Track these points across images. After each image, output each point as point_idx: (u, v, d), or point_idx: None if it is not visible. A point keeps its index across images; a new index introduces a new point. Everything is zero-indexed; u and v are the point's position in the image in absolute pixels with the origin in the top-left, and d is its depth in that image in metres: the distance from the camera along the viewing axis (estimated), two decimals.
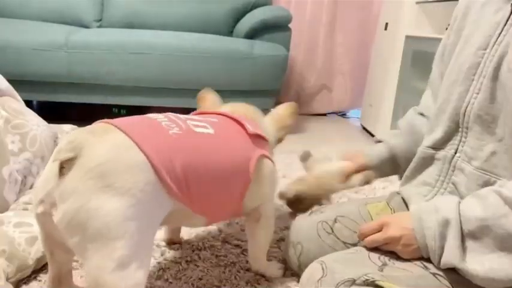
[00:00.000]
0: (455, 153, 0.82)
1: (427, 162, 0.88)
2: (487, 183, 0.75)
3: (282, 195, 1.14)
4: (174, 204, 0.75)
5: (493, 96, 0.75)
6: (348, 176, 1.09)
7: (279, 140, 1.07)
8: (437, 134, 0.86)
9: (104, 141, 0.69)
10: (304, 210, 1.09)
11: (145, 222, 0.69)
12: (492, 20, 0.78)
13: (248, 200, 0.90)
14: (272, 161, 0.94)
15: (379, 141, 1.13)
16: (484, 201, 0.70)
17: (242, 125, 0.90)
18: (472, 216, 0.70)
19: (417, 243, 0.75)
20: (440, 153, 0.85)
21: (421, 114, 1.04)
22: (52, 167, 0.67)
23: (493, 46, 0.76)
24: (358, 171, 1.09)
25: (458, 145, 0.82)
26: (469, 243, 0.70)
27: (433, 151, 0.87)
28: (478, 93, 0.77)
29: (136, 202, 0.67)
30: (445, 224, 0.71)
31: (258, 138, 0.92)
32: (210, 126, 0.85)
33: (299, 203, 1.14)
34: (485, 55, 0.77)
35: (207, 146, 0.81)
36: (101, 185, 0.65)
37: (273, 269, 1.05)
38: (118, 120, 0.74)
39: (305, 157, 1.20)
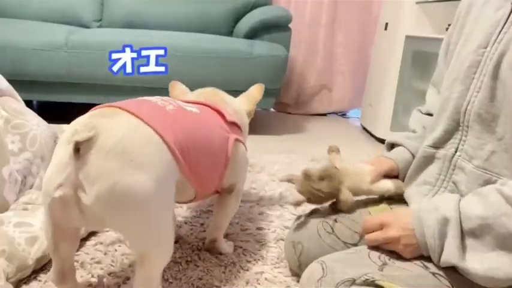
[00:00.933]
0: (456, 152, 0.82)
1: (428, 161, 0.88)
2: (487, 182, 0.75)
3: (306, 173, 0.98)
4: (178, 178, 0.81)
5: (493, 95, 0.75)
6: (373, 181, 1.00)
7: (249, 113, 1.21)
8: (438, 132, 0.86)
9: (116, 122, 0.72)
10: (318, 201, 0.99)
11: (166, 189, 0.76)
12: (492, 17, 0.78)
13: (226, 178, 0.99)
14: (245, 146, 1.06)
15: (393, 144, 1.07)
16: (485, 199, 0.70)
17: (221, 114, 1.00)
18: (473, 214, 0.69)
19: (417, 242, 0.75)
20: (441, 152, 0.85)
21: (429, 114, 1.03)
22: (67, 149, 0.67)
23: (493, 44, 0.76)
24: (384, 176, 1.01)
25: (459, 144, 0.82)
26: (469, 242, 0.70)
27: (433, 150, 0.87)
28: (478, 92, 0.77)
29: (157, 176, 0.72)
30: (445, 222, 0.71)
31: (233, 126, 1.02)
32: (195, 107, 0.93)
33: (317, 190, 0.97)
34: (486, 53, 0.77)
35: (197, 122, 0.89)
36: (126, 160, 0.69)
37: (226, 244, 1.13)
38: (121, 104, 0.78)
39: (333, 150, 1.10)
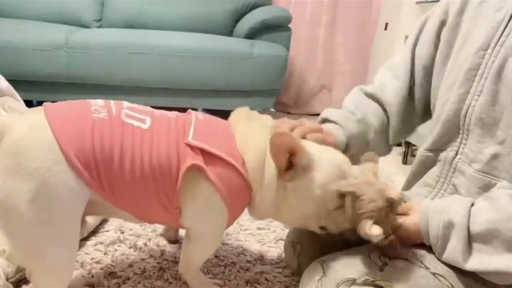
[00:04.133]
0: (456, 155, 0.81)
1: (427, 164, 0.88)
2: (487, 186, 0.75)
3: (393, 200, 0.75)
4: (92, 193, 0.73)
5: (495, 99, 0.74)
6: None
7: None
8: (436, 136, 0.85)
9: (25, 120, 0.70)
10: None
11: (56, 205, 0.68)
12: (492, 19, 0.76)
13: (183, 216, 0.81)
14: (216, 184, 0.75)
15: (326, 120, 0.96)
16: (495, 203, 0.69)
17: (184, 133, 0.78)
18: (483, 218, 0.69)
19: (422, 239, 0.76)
20: (441, 155, 0.85)
21: (372, 96, 0.96)
22: None
23: (495, 47, 0.74)
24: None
25: (459, 147, 0.81)
26: (477, 245, 0.69)
27: (431, 154, 0.86)
28: (479, 96, 0.76)
29: (43, 182, 0.66)
30: (449, 226, 0.71)
31: (206, 153, 0.76)
32: (151, 123, 0.77)
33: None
34: (486, 56, 0.75)
35: (128, 138, 0.73)
36: (13, 163, 0.66)
37: (202, 283, 0.95)
38: (55, 104, 0.74)
39: (371, 159, 0.86)
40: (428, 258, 0.75)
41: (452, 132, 0.82)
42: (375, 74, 1.03)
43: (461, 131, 0.80)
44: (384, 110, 0.96)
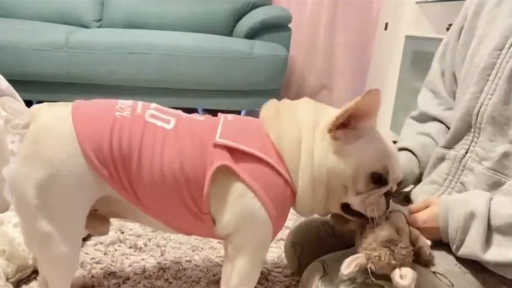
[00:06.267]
0: (466, 153, 0.82)
1: (437, 162, 0.88)
2: (496, 184, 0.76)
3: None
4: (109, 190, 0.72)
5: (508, 98, 0.75)
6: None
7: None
8: (449, 135, 0.86)
9: (52, 112, 0.71)
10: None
11: (63, 197, 0.69)
12: (508, 21, 0.77)
13: (218, 223, 0.74)
14: (248, 184, 0.70)
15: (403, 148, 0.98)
16: None
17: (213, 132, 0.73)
18: (504, 213, 0.70)
19: (439, 232, 0.76)
20: (451, 153, 0.85)
21: (422, 114, 0.99)
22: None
23: (510, 47, 0.75)
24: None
25: (470, 145, 0.82)
26: (497, 238, 0.70)
27: (444, 151, 0.87)
28: (492, 95, 0.77)
29: (54, 173, 0.67)
30: (471, 217, 0.72)
31: (235, 153, 0.71)
32: (175, 124, 0.74)
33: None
34: (501, 56, 0.76)
35: (149, 138, 0.71)
36: (32, 150, 0.68)
37: None
38: (89, 101, 0.76)
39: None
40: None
41: (464, 130, 0.83)
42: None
43: (472, 129, 0.81)
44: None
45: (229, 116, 0.79)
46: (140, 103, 0.76)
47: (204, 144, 0.72)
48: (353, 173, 0.72)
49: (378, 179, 0.73)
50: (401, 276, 0.66)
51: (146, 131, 0.71)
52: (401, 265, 0.68)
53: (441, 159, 0.88)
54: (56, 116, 0.71)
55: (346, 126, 0.71)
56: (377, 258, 0.69)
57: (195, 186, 0.71)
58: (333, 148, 0.72)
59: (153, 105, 0.77)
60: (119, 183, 0.70)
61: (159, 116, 0.74)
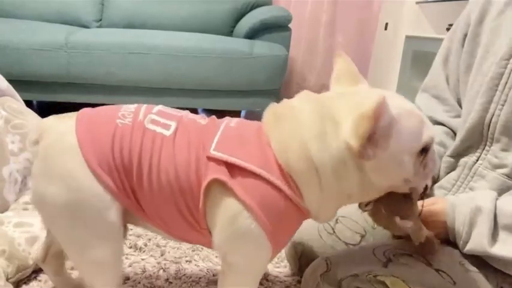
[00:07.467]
0: (477, 160, 0.83)
1: (448, 170, 0.89)
2: (510, 188, 0.76)
3: None
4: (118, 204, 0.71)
5: None
6: None
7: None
8: (458, 143, 0.86)
9: (58, 125, 0.72)
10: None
11: (83, 209, 0.69)
12: None
13: (214, 237, 0.69)
14: (243, 201, 0.64)
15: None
16: None
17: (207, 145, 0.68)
18: (509, 211, 0.71)
19: (445, 228, 0.76)
20: (462, 160, 0.86)
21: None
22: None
23: None
24: None
25: (481, 153, 0.82)
26: (503, 234, 0.71)
27: (452, 159, 0.87)
28: (503, 105, 0.77)
29: (68, 187, 0.68)
30: (477, 211, 0.72)
31: (232, 167, 0.65)
32: (175, 129, 0.70)
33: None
34: (509, 65, 0.77)
35: (148, 145, 0.68)
36: (44, 167, 0.70)
37: None
38: (94, 108, 0.75)
39: None
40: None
41: (475, 139, 0.83)
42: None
43: (484, 138, 0.81)
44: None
45: (232, 122, 0.73)
46: (144, 107, 0.74)
47: (199, 155, 0.67)
48: (406, 169, 0.65)
49: (423, 150, 0.66)
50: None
51: (145, 138, 0.69)
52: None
53: (450, 167, 0.88)
54: (61, 131, 0.71)
55: (368, 138, 0.61)
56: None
57: (191, 199, 0.67)
58: (373, 166, 0.64)
59: (157, 108, 0.74)
60: (123, 192, 0.70)
61: (159, 122, 0.71)
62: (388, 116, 0.61)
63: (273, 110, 0.72)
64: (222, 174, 0.65)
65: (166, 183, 0.67)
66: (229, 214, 0.65)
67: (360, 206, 0.75)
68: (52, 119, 0.73)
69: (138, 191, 0.70)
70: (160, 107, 0.75)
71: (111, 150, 0.68)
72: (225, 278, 0.73)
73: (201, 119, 0.74)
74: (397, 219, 0.69)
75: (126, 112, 0.72)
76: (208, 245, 0.73)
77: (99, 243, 0.71)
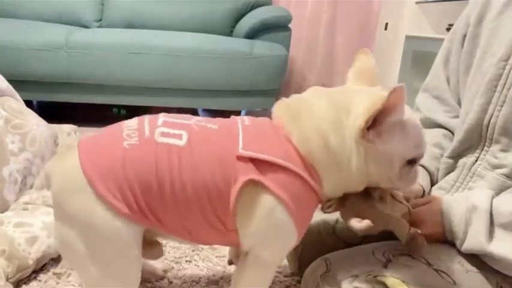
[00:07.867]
0: (476, 161, 0.83)
1: (447, 171, 0.89)
2: (506, 187, 0.76)
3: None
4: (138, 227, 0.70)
5: None
6: None
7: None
8: (457, 143, 0.86)
9: (61, 166, 0.70)
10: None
11: (103, 243, 0.68)
12: None
13: (241, 236, 0.71)
14: (278, 196, 0.66)
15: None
16: None
17: (235, 144, 0.69)
18: (506, 210, 0.71)
19: (443, 229, 0.76)
20: (461, 161, 0.86)
21: (425, 122, 0.97)
22: None
23: None
24: None
25: (480, 154, 0.82)
26: (499, 233, 0.71)
27: (451, 160, 0.87)
28: (502, 106, 0.77)
29: (85, 225, 0.67)
30: (473, 209, 0.72)
31: (260, 163, 0.67)
32: (188, 138, 0.69)
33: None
34: (507, 66, 0.77)
35: (164, 160, 0.67)
36: (58, 210, 0.70)
37: None
38: (92, 136, 0.73)
39: None
40: (431, 255, 0.76)
41: (473, 140, 0.83)
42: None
43: (483, 139, 0.81)
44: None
45: (246, 120, 0.74)
46: (146, 121, 0.71)
47: (223, 159, 0.67)
48: (394, 169, 0.70)
49: (411, 161, 0.72)
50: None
51: (159, 155, 0.67)
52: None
53: (449, 168, 0.88)
54: (66, 169, 0.69)
55: (375, 124, 0.66)
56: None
57: (220, 203, 0.67)
58: (370, 154, 0.68)
59: (161, 119, 0.72)
60: (140, 214, 0.68)
61: (169, 133, 0.69)
62: (401, 112, 0.66)
63: (285, 106, 0.74)
64: (254, 174, 0.66)
65: (192, 193, 0.67)
66: (264, 210, 0.67)
67: (322, 207, 0.77)
68: (54, 161, 0.73)
69: (159, 209, 0.68)
70: (163, 118, 0.73)
71: (125, 177, 0.66)
72: (246, 270, 0.74)
73: (210, 122, 0.73)
74: (352, 220, 0.72)
75: (130, 131, 0.70)
76: (227, 243, 0.75)
77: (120, 276, 0.72)
